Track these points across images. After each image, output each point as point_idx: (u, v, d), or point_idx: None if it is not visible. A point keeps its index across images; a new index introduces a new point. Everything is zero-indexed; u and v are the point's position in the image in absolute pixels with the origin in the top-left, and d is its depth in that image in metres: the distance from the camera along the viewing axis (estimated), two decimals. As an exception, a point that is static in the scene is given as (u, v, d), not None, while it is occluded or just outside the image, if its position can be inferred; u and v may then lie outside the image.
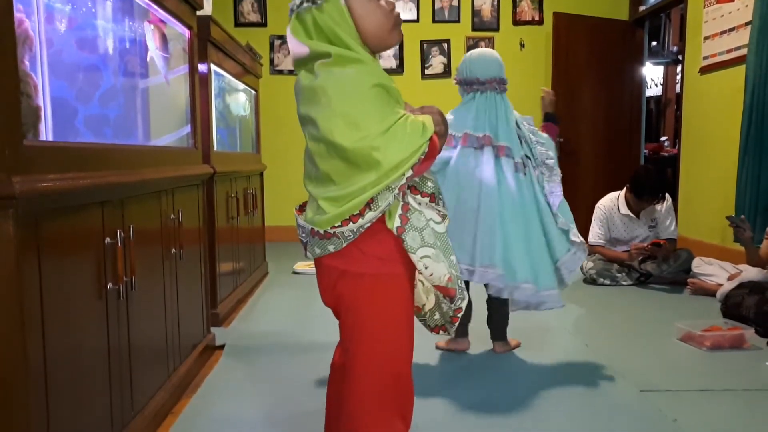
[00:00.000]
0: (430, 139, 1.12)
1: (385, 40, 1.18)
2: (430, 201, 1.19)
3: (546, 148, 2.25)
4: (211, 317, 2.49)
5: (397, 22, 1.18)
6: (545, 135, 2.30)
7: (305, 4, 1.14)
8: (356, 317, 1.19)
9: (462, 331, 2.41)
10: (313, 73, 1.14)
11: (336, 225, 1.11)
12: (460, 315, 1.25)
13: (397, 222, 1.13)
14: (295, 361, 2.30)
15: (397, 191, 1.11)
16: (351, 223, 1.11)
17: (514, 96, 6.27)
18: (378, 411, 1.20)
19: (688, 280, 3.38)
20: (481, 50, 2.34)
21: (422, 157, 1.11)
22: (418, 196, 1.18)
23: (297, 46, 1.16)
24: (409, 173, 1.10)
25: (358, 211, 1.10)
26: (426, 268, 1.15)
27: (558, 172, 2.23)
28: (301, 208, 1.26)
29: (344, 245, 1.14)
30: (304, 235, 1.21)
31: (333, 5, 1.12)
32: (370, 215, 1.10)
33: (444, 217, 1.20)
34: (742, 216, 3.12)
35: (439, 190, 1.23)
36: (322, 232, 1.14)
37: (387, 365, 1.19)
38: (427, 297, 1.32)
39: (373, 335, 1.19)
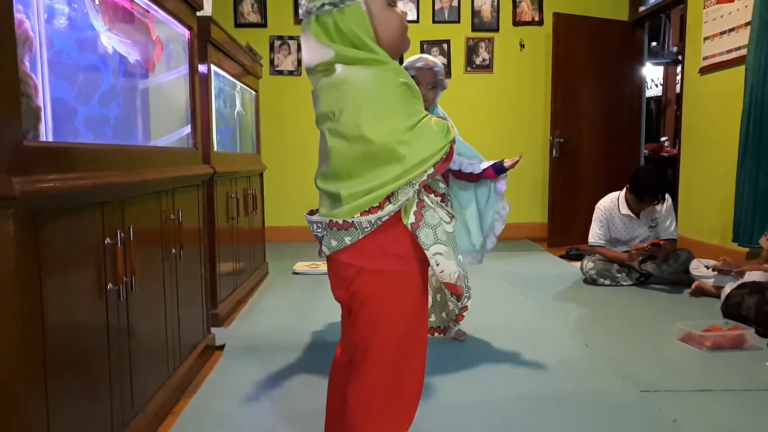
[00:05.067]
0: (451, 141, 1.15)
1: (399, 47, 1.20)
2: (441, 201, 1.21)
3: None
4: (211, 317, 2.49)
5: (407, 29, 1.21)
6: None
7: (326, 7, 1.13)
8: (371, 312, 1.20)
9: None
10: (334, 73, 1.15)
11: (355, 215, 1.13)
12: (465, 314, 1.27)
13: (411, 218, 1.16)
14: (295, 361, 2.30)
15: (417, 187, 1.14)
16: (370, 214, 1.13)
17: (513, 96, 6.22)
18: (383, 407, 1.20)
19: (694, 284, 3.35)
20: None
21: (444, 156, 1.14)
22: (432, 195, 1.20)
23: (318, 49, 1.16)
24: (431, 171, 1.13)
25: (378, 204, 1.13)
26: (437, 264, 1.17)
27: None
28: (311, 213, 1.27)
29: (360, 237, 1.15)
30: (320, 230, 1.21)
31: (355, 10, 1.13)
32: (390, 208, 1.13)
33: (452, 217, 1.22)
34: (717, 264, 3.14)
35: (448, 192, 1.26)
36: (340, 222, 1.15)
37: (398, 361, 1.20)
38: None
39: (388, 330, 1.19)
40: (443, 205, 1.21)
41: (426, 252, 1.16)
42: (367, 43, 1.14)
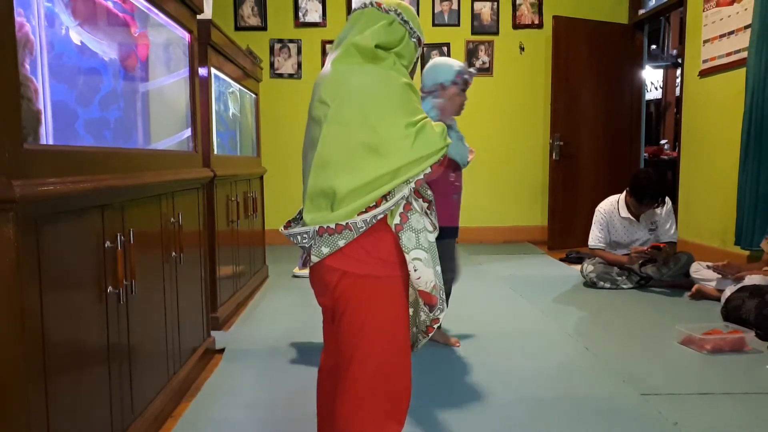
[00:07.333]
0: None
1: None
2: (427, 208, 1.22)
3: None
4: (211, 321, 2.48)
5: None
6: None
7: (404, 24, 1.23)
8: (355, 317, 1.19)
9: None
10: (347, 63, 1.20)
11: (352, 217, 1.14)
12: (436, 326, 1.25)
13: (397, 219, 1.15)
14: (294, 365, 2.29)
15: (413, 185, 1.14)
16: (366, 213, 1.13)
17: (514, 99, 6.19)
18: (373, 413, 1.20)
19: (694, 287, 3.34)
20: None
21: (442, 158, 1.16)
22: (420, 200, 1.21)
23: (370, 36, 1.21)
24: (428, 171, 1.15)
25: (374, 203, 1.13)
26: (415, 270, 1.16)
27: None
28: (288, 224, 1.26)
29: (354, 238, 1.14)
30: (306, 240, 1.19)
31: (413, 46, 1.27)
32: (385, 206, 1.14)
33: (435, 228, 1.22)
34: (719, 265, 3.17)
35: (434, 200, 1.26)
36: (333, 226, 1.14)
37: (384, 366, 1.19)
38: None
39: (373, 335, 1.19)
40: (428, 212, 1.22)
41: (406, 255, 1.15)
42: (396, 51, 1.23)
